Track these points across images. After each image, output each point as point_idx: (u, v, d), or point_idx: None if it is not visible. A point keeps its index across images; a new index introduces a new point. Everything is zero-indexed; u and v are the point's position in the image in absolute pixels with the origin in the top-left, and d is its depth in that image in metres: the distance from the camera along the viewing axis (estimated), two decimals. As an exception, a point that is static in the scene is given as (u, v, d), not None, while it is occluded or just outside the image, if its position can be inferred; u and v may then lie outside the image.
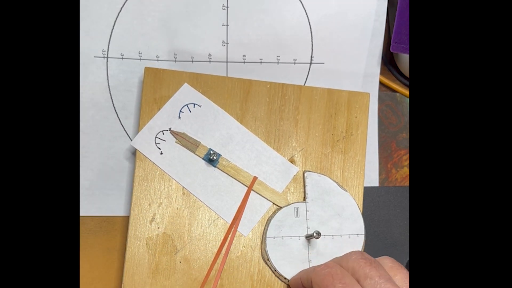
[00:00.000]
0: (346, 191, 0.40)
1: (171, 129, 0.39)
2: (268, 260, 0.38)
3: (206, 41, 0.42)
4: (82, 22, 0.41)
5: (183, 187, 0.39)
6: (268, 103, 0.40)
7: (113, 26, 0.41)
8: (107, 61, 0.41)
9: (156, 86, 0.39)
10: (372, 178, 0.44)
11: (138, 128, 0.39)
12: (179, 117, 0.39)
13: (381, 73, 0.44)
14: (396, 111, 0.45)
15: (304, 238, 0.39)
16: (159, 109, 0.39)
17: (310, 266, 0.38)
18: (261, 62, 0.43)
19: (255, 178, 0.39)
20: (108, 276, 0.40)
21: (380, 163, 0.44)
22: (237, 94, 0.40)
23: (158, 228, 0.38)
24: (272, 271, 0.38)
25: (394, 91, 0.45)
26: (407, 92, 0.45)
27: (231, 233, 0.38)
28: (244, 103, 0.40)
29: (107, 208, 0.41)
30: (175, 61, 0.42)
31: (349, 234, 0.39)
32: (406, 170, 0.45)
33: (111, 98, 0.41)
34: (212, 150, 0.39)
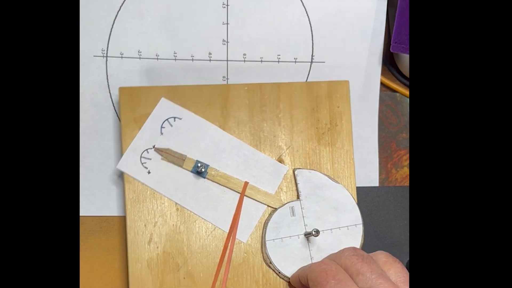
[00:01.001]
0: (338, 183, 0.40)
1: (155, 146, 0.38)
2: (270, 263, 0.38)
3: (206, 39, 0.42)
4: (81, 22, 0.41)
5: (176, 203, 0.38)
6: (248, 105, 0.40)
7: (112, 25, 0.41)
8: (106, 60, 0.41)
9: (134, 105, 0.38)
10: (372, 178, 0.44)
11: (121, 151, 0.38)
12: (161, 133, 0.39)
13: (381, 73, 0.44)
14: (396, 111, 0.45)
15: (303, 236, 0.39)
16: (140, 128, 0.38)
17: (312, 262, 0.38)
18: (261, 61, 0.43)
19: (246, 184, 0.39)
20: (108, 276, 0.40)
21: (380, 163, 0.44)
22: (216, 101, 0.39)
23: (157, 247, 0.38)
24: (276, 273, 0.38)
25: (394, 91, 0.45)
26: (407, 92, 0.45)
27: (230, 241, 0.38)
28: (225, 109, 0.39)
29: (107, 208, 0.41)
30: (175, 59, 0.42)
31: (347, 226, 0.39)
32: (406, 170, 0.45)
33: (111, 97, 0.41)
34: (199, 162, 0.38)
